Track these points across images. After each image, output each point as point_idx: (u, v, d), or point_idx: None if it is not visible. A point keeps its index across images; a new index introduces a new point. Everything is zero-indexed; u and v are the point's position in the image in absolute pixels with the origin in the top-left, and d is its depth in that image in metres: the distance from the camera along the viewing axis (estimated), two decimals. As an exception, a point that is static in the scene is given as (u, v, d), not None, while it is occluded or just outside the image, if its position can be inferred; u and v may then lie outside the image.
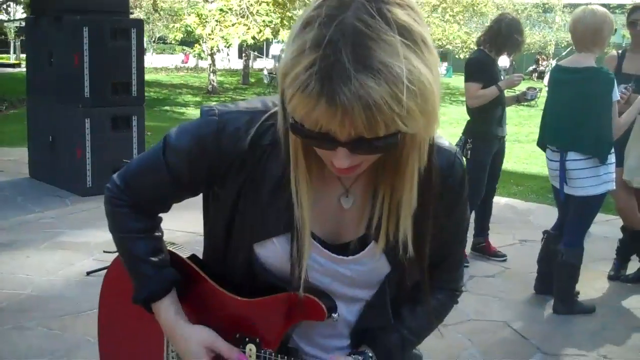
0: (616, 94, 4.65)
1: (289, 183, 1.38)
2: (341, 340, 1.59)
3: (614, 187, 4.84)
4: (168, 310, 1.57)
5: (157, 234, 1.62)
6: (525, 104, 5.41)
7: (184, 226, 6.02)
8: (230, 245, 1.53)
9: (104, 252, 5.69)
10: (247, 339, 1.55)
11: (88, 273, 5.38)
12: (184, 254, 1.67)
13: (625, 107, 4.89)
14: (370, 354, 1.52)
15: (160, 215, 1.64)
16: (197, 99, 21.82)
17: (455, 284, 1.67)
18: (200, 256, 1.68)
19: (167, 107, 18.51)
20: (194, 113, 17.91)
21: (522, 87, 6.55)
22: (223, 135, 1.44)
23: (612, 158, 4.74)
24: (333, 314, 1.47)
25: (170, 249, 1.66)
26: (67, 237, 6.38)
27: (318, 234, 1.47)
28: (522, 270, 5.66)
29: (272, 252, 1.47)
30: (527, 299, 5.29)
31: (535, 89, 6.14)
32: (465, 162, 1.61)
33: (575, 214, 4.93)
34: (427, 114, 1.17)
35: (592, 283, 5.63)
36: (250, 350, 1.54)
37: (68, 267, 5.59)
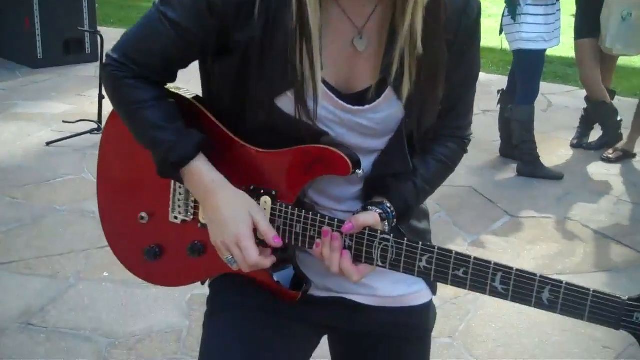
0: None
1: (302, 24, 1.31)
2: (355, 188, 1.53)
3: (525, 47, 4.92)
4: (205, 168, 1.45)
5: (170, 99, 1.50)
6: None
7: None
8: (245, 105, 1.43)
9: (64, 122, 5.53)
10: (262, 191, 1.46)
11: (48, 143, 5.23)
12: (189, 95, 1.56)
13: None
14: (388, 205, 1.45)
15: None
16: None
17: (464, 132, 1.60)
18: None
19: (112, -20, 17.71)
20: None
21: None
22: None
23: (526, 18, 4.85)
24: (357, 170, 1.40)
25: (178, 92, 1.55)
26: (22, 108, 6.18)
27: (331, 82, 1.40)
28: (486, 139, 5.69)
29: (290, 104, 1.39)
30: (492, 164, 5.34)
31: None
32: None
33: (515, 70, 5.22)
34: None
35: (555, 150, 5.72)
36: (265, 202, 1.46)
37: (25, 137, 5.43)
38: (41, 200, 4.35)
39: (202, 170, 1.45)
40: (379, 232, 1.37)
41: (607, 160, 5.48)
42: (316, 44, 1.32)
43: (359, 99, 1.41)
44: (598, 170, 5.37)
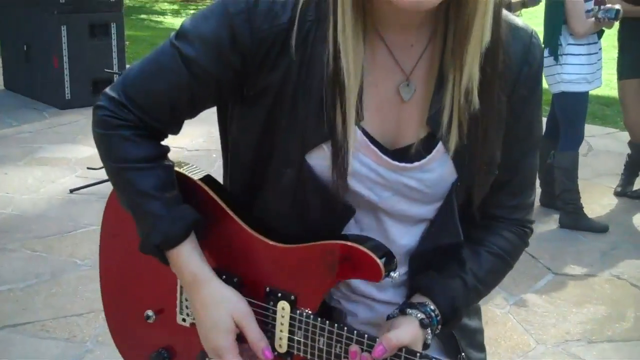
0: None
1: (336, 69, 1.12)
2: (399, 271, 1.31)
3: (568, 89, 4.65)
4: (191, 257, 1.25)
5: (167, 162, 1.29)
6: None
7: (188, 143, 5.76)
8: (271, 163, 1.23)
9: (88, 168, 5.38)
10: (279, 294, 1.25)
11: (71, 191, 5.09)
12: (197, 176, 1.35)
13: None
14: (431, 307, 1.23)
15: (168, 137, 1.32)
16: (175, 7, 21.03)
17: (524, 214, 1.37)
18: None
19: (143, 16, 17.81)
20: (171, 21, 17.30)
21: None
22: (256, 12, 1.16)
23: (567, 59, 4.60)
24: (392, 273, 1.19)
25: (181, 170, 1.33)
26: (47, 152, 6.06)
27: (374, 134, 1.20)
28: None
29: (325, 160, 1.19)
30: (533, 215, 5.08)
31: None
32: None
33: (556, 114, 4.92)
34: None
35: (598, 199, 5.44)
36: (283, 309, 1.24)
37: (49, 184, 5.30)
38: (62, 253, 4.19)
39: (184, 260, 1.25)
40: (418, 355, 1.14)
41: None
42: (352, 91, 1.13)
43: (405, 155, 1.20)
44: (644, 222, 5.09)
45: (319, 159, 1.19)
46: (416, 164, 1.21)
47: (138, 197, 1.24)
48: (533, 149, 1.34)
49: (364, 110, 1.17)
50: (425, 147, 1.21)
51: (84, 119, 7.21)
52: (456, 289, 1.27)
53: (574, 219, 4.80)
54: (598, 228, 4.82)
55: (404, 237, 1.29)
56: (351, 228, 1.27)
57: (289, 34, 1.15)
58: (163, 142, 1.31)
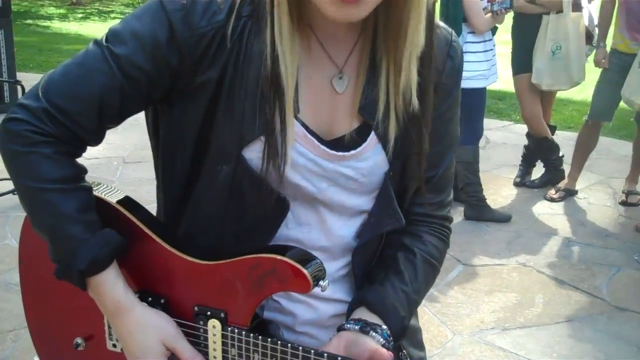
0: None
1: (274, 67, 1.11)
2: (338, 263, 1.31)
3: (467, 86, 4.77)
4: (115, 285, 1.20)
5: (86, 183, 1.22)
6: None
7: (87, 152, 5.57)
8: (207, 159, 1.20)
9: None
10: (209, 312, 1.21)
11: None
12: (114, 197, 1.29)
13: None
14: (387, 332, 1.23)
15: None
16: (62, 11, 20.38)
17: (446, 212, 1.39)
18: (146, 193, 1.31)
19: (29, 21, 17.15)
20: (59, 26, 16.76)
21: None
22: (194, 9, 1.13)
23: (465, 56, 4.71)
24: (321, 282, 1.16)
25: (97, 192, 1.27)
26: None
27: (311, 126, 1.20)
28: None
29: (261, 153, 1.17)
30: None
31: None
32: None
33: None
34: None
35: (499, 190, 5.63)
36: (214, 327, 1.21)
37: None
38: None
39: (108, 286, 1.19)
40: None
41: (552, 201, 5.41)
42: (289, 84, 1.13)
43: (340, 145, 1.21)
44: (544, 210, 5.29)
45: (256, 152, 1.17)
46: (352, 152, 1.22)
47: (58, 219, 1.16)
48: (452, 147, 1.36)
49: (299, 102, 1.18)
50: (359, 136, 1.22)
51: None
52: (403, 307, 1.27)
53: (478, 211, 4.94)
54: (502, 218, 4.98)
55: (342, 229, 1.29)
56: (289, 222, 1.26)
57: (226, 31, 1.13)
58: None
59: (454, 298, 3.87)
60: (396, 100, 1.19)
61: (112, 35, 1.16)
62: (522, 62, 5.42)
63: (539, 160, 5.78)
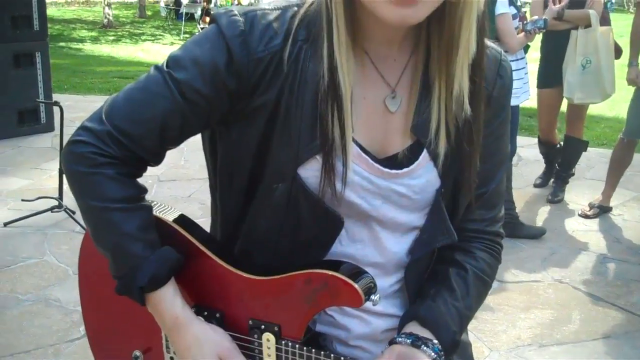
0: (505, 7, 4.59)
1: (333, 84, 1.14)
2: (391, 279, 1.32)
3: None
4: (174, 301, 1.24)
5: (146, 202, 1.27)
6: None
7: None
8: (264, 179, 1.23)
9: (22, 200, 5.22)
10: (263, 326, 1.24)
11: (5, 224, 4.92)
12: (170, 216, 1.33)
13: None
14: (438, 347, 1.23)
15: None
16: (93, 33, 20.76)
17: (498, 227, 1.41)
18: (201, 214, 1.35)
19: (62, 44, 17.49)
20: (91, 48, 17.06)
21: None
22: (252, 34, 1.17)
23: None
24: (372, 297, 1.18)
25: (154, 211, 1.31)
26: (-24, 186, 5.85)
27: (363, 144, 1.22)
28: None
29: (318, 172, 1.19)
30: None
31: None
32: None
33: None
34: None
35: (532, 207, 5.61)
36: (268, 340, 1.23)
37: (-19, 218, 5.11)
38: (2, 289, 4.03)
39: (167, 302, 1.23)
40: None
41: (586, 217, 5.38)
42: (347, 103, 1.15)
43: (393, 163, 1.23)
44: (578, 226, 5.25)
45: (312, 171, 1.19)
46: (404, 170, 1.23)
47: (121, 238, 1.21)
48: (503, 163, 1.38)
49: (353, 122, 1.20)
50: (412, 154, 1.24)
51: (10, 149, 7.01)
52: (454, 322, 1.28)
53: (512, 228, 4.93)
54: (536, 234, 4.96)
55: (395, 245, 1.31)
56: (343, 239, 1.28)
57: (283, 55, 1.17)
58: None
59: (490, 314, 3.86)
60: (448, 116, 1.21)
61: (172, 61, 1.20)
62: (546, 76, 5.53)
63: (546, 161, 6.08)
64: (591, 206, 5.47)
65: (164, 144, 1.24)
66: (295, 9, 1.20)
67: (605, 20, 5.27)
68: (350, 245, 1.29)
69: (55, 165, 5.06)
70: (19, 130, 7.42)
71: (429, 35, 1.21)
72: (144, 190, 1.27)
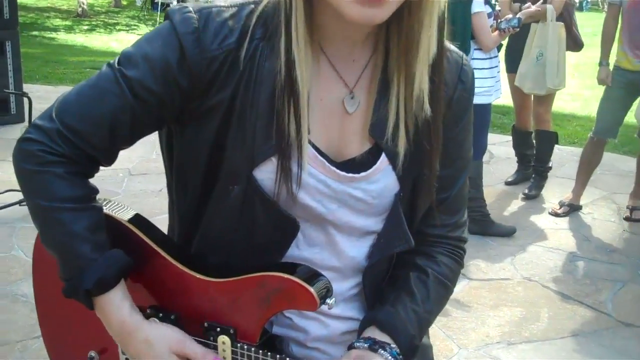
0: (480, 6, 4.67)
1: (290, 80, 1.13)
2: (348, 284, 1.32)
3: (475, 102, 4.89)
4: (121, 305, 1.21)
5: (96, 203, 1.24)
6: None
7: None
8: (218, 180, 1.21)
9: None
10: (218, 329, 1.22)
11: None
12: (125, 215, 1.31)
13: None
14: (397, 350, 1.23)
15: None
16: (67, 22, 20.50)
17: (460, 232, 1.40)
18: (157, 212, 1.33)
19: (35, 32, 17.25)
20: (65, 38, 16.84)
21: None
22: (206, 32, 1.15)
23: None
24: (328, 300, 1.17)
25: (106, 210, 1.29)
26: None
27: (320, 146, 1.21)
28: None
29: (273, 174, 1.18)
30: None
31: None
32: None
33: None
34: None
35: (503, 205, 5.65)
36: (224, 343, 1.22)
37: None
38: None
39: (114, 306, 1.21)
40: None
41: (556, 215, 5.43)
42: (304, 100, 1.14)
43: (351, 167, 1.22)
44: (548, 224, 5.30)
45: (267, 173, 1.18)
46: (362, 174, 1.22)
47: (68, 238, 1.18)
48: (465, 169, 1.38)
49: (310, 123, 1.18)
50: (370, 158, 1.23)
51: (15, 165, 6.89)
52: (413, 326, 1.28)
53: (482, 226, 4.96)
54: (506, 232, 5.00)
55: (352, 250, 1.30)
56: (300, 243, 1.27)
57: (238, 53, 1.15)
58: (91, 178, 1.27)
59: (459, 312, 3.88)
60: (407, 116, 1.20)
61: (124, 58, 1.18)
62: (512, 62, 5.78)
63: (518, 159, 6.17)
64: (561, 204, 5.51)
65: (115, 142, 1.21)
66: (252, 6, 1.19)
67: (569, 16, 5.42)
68: (307, 249, 1.28)
69: (24, 157, 4.96)
70: (-12, 121, 7.32)
71: (388, 34, 1.20)
72: (94, 190, 1.25)
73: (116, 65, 1.18)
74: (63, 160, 1.18)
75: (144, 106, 1.17)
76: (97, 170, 1.26)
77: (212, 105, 1.17)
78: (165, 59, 1.15)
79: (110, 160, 1.25)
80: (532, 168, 5.95)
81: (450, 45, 1.28)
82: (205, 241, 1.29)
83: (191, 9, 1.17)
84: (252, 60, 1.16)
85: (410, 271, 1.34)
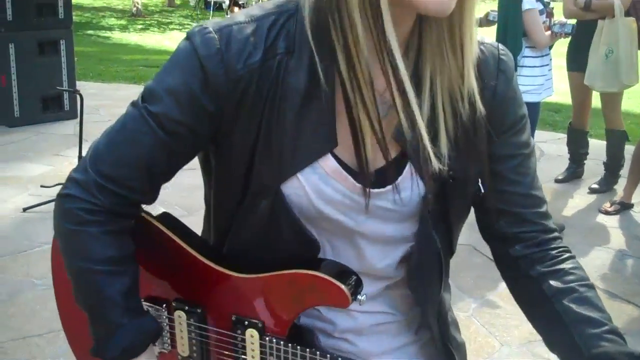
0: (532, 3, 4.61)
1: (318, 90, 1.09)
2: (381, 284, 1.29)
3: (525, 100, 4.76)
4: None
5: (132, 264, 1.22)
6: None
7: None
8: (248, 194, 1.18)
9: (41, 186, 5.28)
10: (246, 323, 1.22)
11: (24, 209, 4.98)
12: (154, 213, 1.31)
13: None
14: None
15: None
16: (122, 22, 20.90)
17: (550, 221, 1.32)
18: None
19: (90, 31, 17.62)
20: (119, 37, 17.16)
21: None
22: (229, 51, 1.09)
23: (522, 70, 4.74)
24: (359, 297, 1.16)
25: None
26: (-2, 170, 5.93)
27: (347, 161, 1.15)
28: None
29: (300, 190, 1.15)
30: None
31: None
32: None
33: None
34: None
35: (553, 202, 5.55)
36: (252, 336, 1.21)
37: (2, 203, 5.17)
38: (17, 273, 4.09)
39: None
40: None
41: (606, 213, 5.32)
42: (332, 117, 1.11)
43: (377, 178, 1.16)
44: (597, 222, 5.19)
45: (294, 189, 1.15)
46: (388, 187, 1.17)
47: (100, 300, 1.18)
48: (532, 156, 1.29)
49: (337, 136, 1.14)
50: (397, 167, 1.17)
51: (33, 136, 7.09)
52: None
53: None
54: (554, 230, 4.91)
55: (383, 261, 1.25)
56: (327, 255, 1.24)
57: (262, 70, 1.10)
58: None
59: (502, 309, 3.83)
60: (446, 119, 1.14)
61: (147, 94, 1.14)
62: (576, 61, 5.61)
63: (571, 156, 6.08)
64: (612, 202, 5.40)
65: (154, 181, 1.18)
66: (273, 17, 1.13)
67: (635, 12, 5.25)
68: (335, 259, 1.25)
69: (75, 152, 5.09)
70: (43, 117, 7.51)
71: (420, 38, 1.14)
72: (130, 248, 1.22)
73: (140, 103, 1.14)
74: (100, 219, 1.16)
75: (176, 139, 1.13)
76: (141, 209, 1.24)
77: (241, 124, 1.13)
78: (188, 87, 1.10)
79: (152, 199, 1.22)
80: (604, 165, 5.88)
81: (483, 38, 1.22)
82: (232, 253, 1.27)
83: (211, 29, 1.11)
84: (277, 76, 1.11)
85: (558, 298, 1.26)
